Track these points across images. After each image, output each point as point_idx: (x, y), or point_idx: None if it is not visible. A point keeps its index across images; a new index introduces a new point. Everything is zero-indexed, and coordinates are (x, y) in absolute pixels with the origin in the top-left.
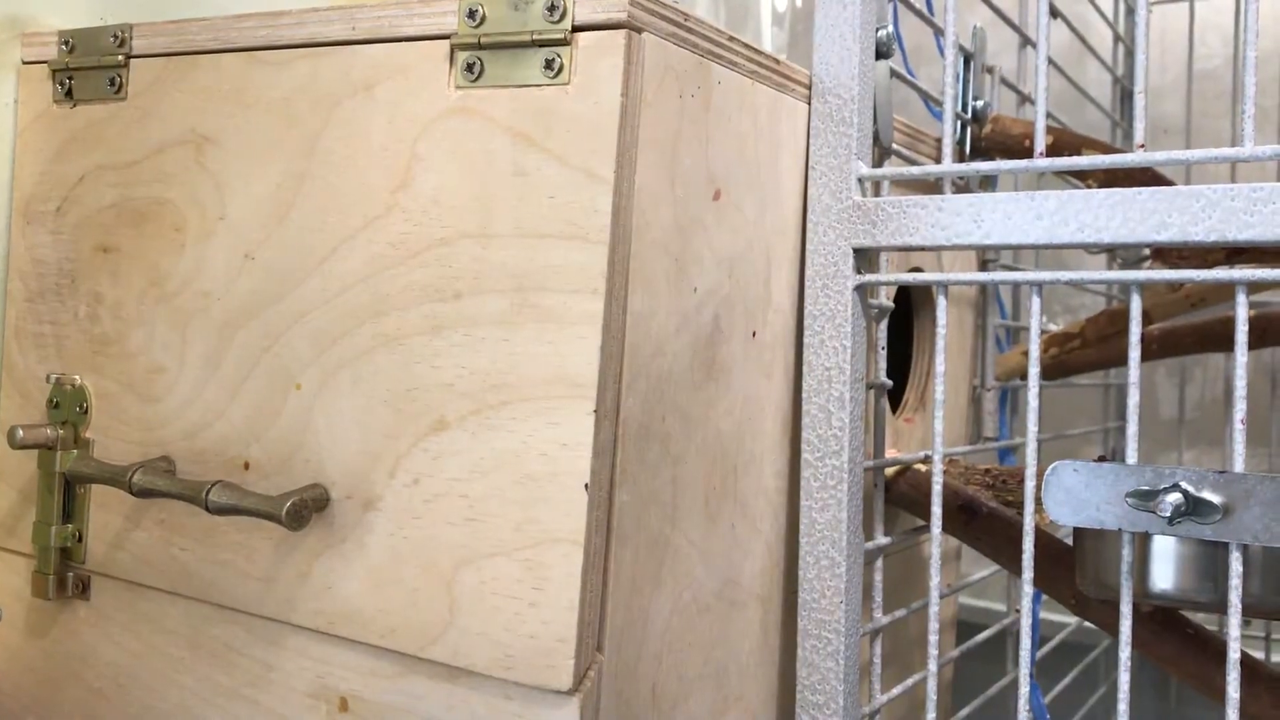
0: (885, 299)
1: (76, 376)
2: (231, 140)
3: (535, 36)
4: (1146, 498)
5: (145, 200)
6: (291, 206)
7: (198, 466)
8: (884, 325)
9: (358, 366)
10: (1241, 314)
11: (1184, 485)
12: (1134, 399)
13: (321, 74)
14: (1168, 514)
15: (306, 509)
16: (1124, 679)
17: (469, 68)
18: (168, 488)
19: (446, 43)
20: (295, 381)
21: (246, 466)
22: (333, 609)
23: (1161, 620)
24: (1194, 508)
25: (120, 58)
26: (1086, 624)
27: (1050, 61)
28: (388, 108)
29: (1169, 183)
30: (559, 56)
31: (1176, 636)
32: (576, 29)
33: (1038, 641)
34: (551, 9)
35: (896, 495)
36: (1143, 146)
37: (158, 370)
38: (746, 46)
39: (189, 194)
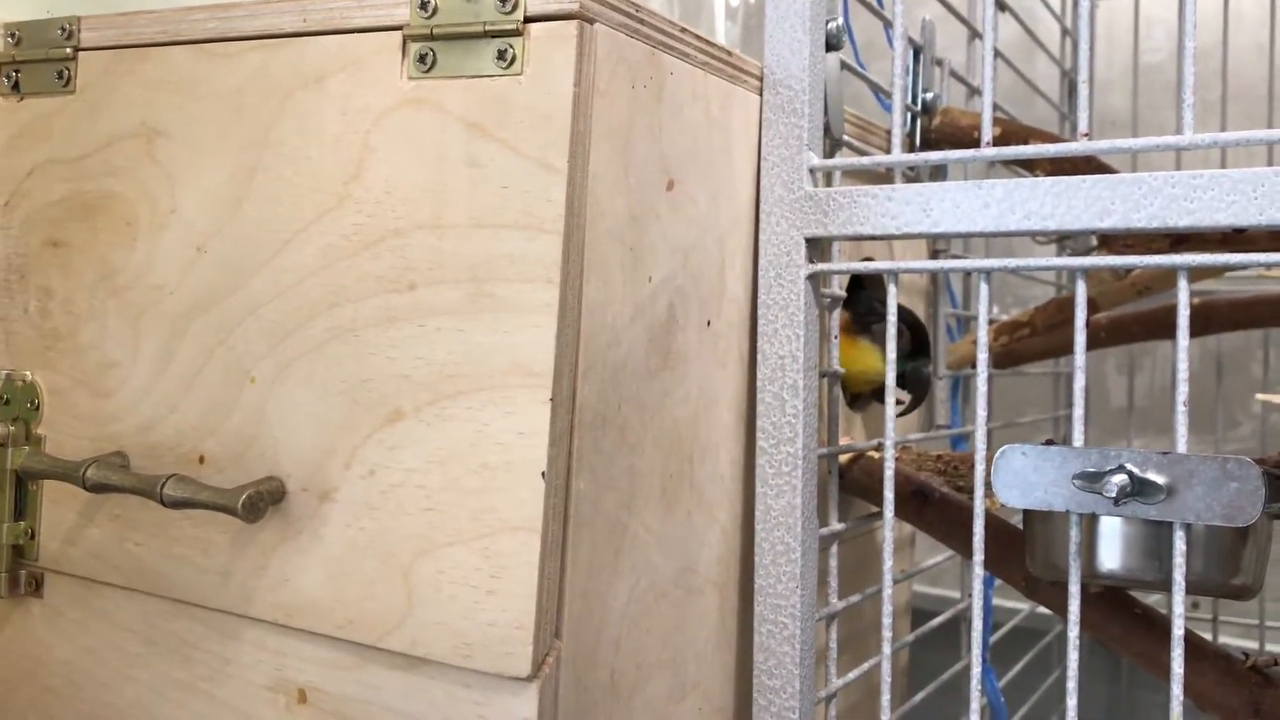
0: (838, 288)
1: (27, 372)
2: (182, 133)
3: (487, 27)
4: (1093, 479)
5: (95, 194)
6: (243, 199)
7: (152, 461)
8: (836, 314)
9: (312, 359)
10: (1183, 298)
11: (1129, 467)
12: (1079, 382)
13: (273, 66)
14: (1113, 495)
15: (262, 501)
16: (1073, 657)
17: (421, 59)
18: (122, 482)
19: (398, 34)
20: (249, 374)
21: (201, 460)
22: (290, 601)
23: (1110, 601)
24: (1139, 488)
25: (68, 50)
26: (1039, 610)
27: (999, 55)
28: (340, 99)
29: (1115, 172)
30: (511, 47)
31: (1125, 616)
32: (529, 20)
33: (991, 627)
34: (504, 0)
35: (850, 482)
36: (1087, 136)
37: (110, 365)
38: (698, 38)
39: (140, 187)
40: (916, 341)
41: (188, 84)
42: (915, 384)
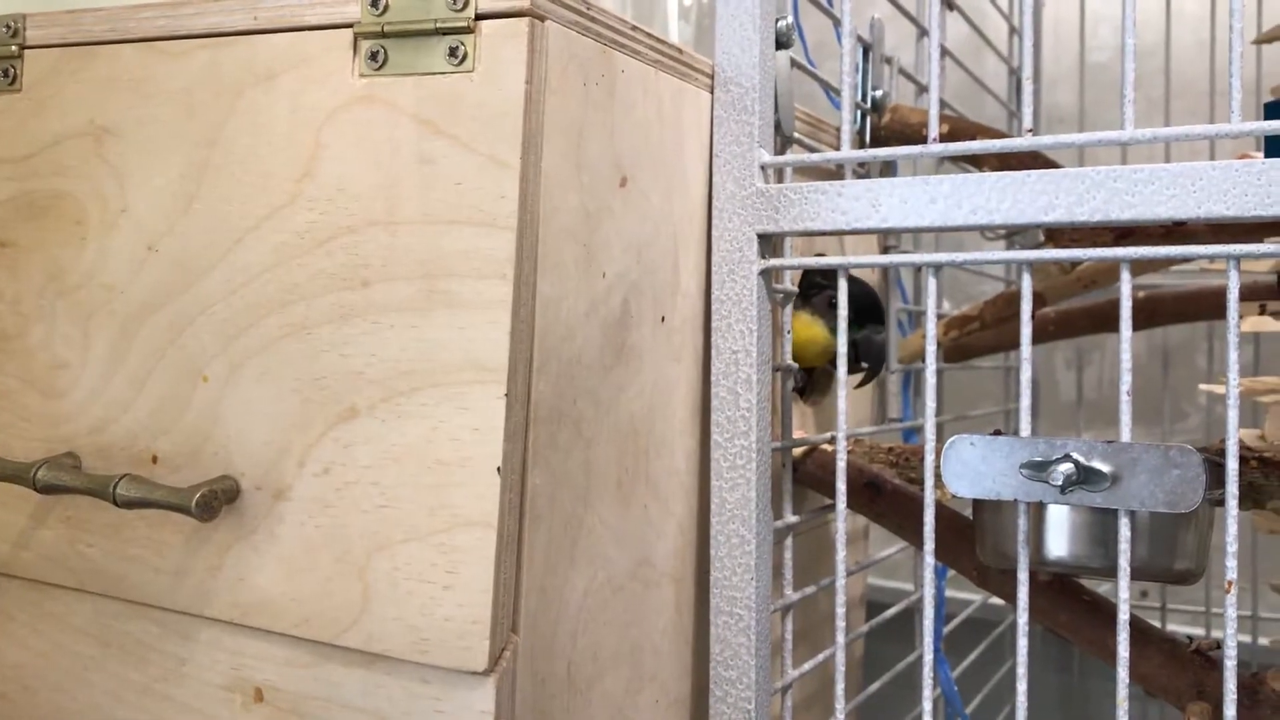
0: (790, 284)
1: None
2: (132, 131)
3: (439, 25)
4: (1040, 468)
5: (43, 193)
6: (195, 198)
7: (104, 462)
8: (789, 309)
9: (266, 357)
10: (1125, 289)
11: (1075, 455)
12: (1026, 374)
13: (223, 64)
14: (1060, 483)
15: (217, 500)
16: (1022, 644)
17: (372, 56)
18: (74, 483)
19: (349, 31)
20: (202, 373)
21: (154, 460)
22: (246, 600)
23: (1059, 589)
24: (1085, 477)
25: (14, 48)
26: (992, 600)
27: (947, 53)
28: (291, 97)
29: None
30: (463, 44)
31: (1073, 604)
32: (480, 17)
33: (943, 617)
34: None
35: (804, 475)
36: (1031, 131)
37: (60, 365)
38: (649, 36)
39: (89, 186)
40: (865, 308)
41: (137, 82)
42: (869, 353)
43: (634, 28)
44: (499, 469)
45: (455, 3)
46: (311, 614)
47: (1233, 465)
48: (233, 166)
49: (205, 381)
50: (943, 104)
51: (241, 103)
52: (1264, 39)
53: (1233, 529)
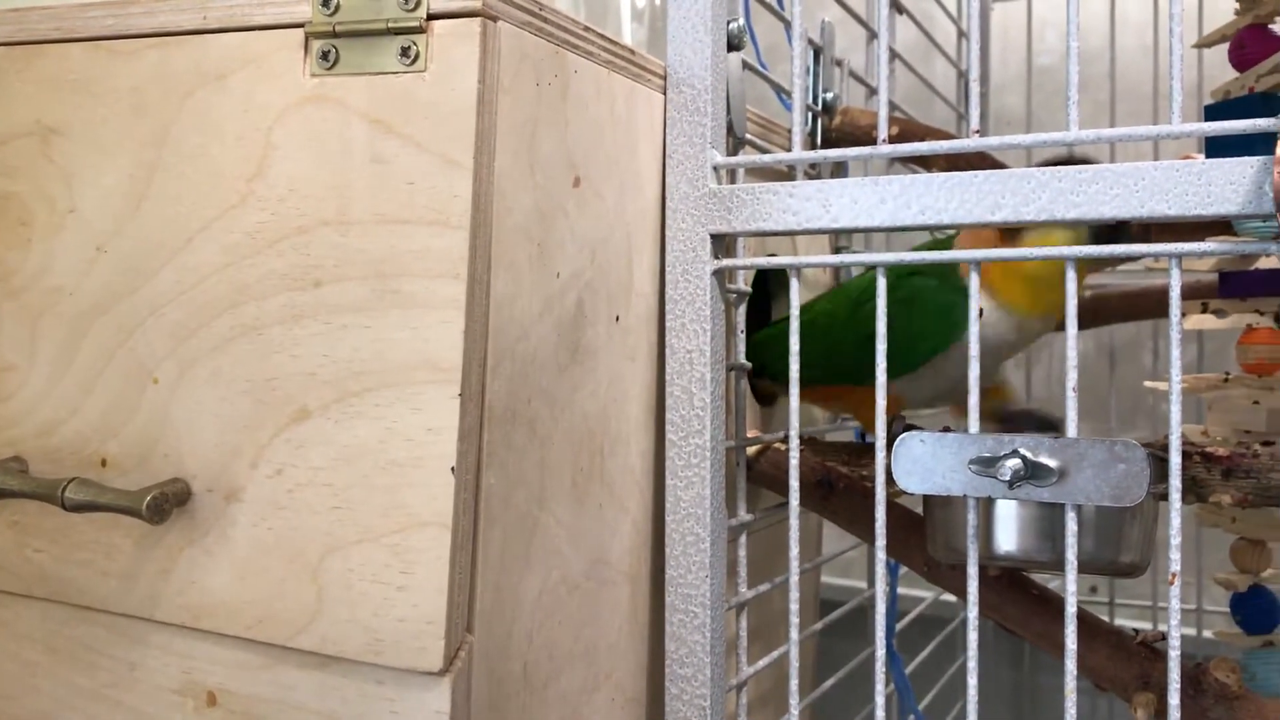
0: (744, 284)
1: None
2: (80, 131)
3: (390, 24)
4: (988, 464)
5: None
6: (144, 198)
7: (52, 465)
8: (743, 309)
9: (216, 358)
10: (1070, 288)
11: (1022, 451)
12: (974, 371)
13: (173, 63)
14: (1007, 478)
15: (167, 503)
16: (972, 637)
17: (324, 56)
18: (21, 487)
19: (300, 31)
20: (152, 375)
21: (104, 463)
22: (198, 603)
23: (1008, 583)
24: (1032, 472)
25: None
26: (945, 597)
27: (898, 56)
28: (241, 97)
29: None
30: (415, 44)
31: (1022, 598)
32: (432, 17)
33: (896, 614)
34: None
35: (758, 474)
36: (978, 132)
37: (7, 368)
38: (602, 37)
39: (35, 187)
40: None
41: (85, 82)
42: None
43: (586, 29)
44: (453, 469)
45: (407, 2)
46: (264, 616)
47: (1175, 460)
48: (183, 166)
49: (155, 383)
50: (893, 106)
51: (191, 102)
52: (1204, 43)
53: (1176, 522)
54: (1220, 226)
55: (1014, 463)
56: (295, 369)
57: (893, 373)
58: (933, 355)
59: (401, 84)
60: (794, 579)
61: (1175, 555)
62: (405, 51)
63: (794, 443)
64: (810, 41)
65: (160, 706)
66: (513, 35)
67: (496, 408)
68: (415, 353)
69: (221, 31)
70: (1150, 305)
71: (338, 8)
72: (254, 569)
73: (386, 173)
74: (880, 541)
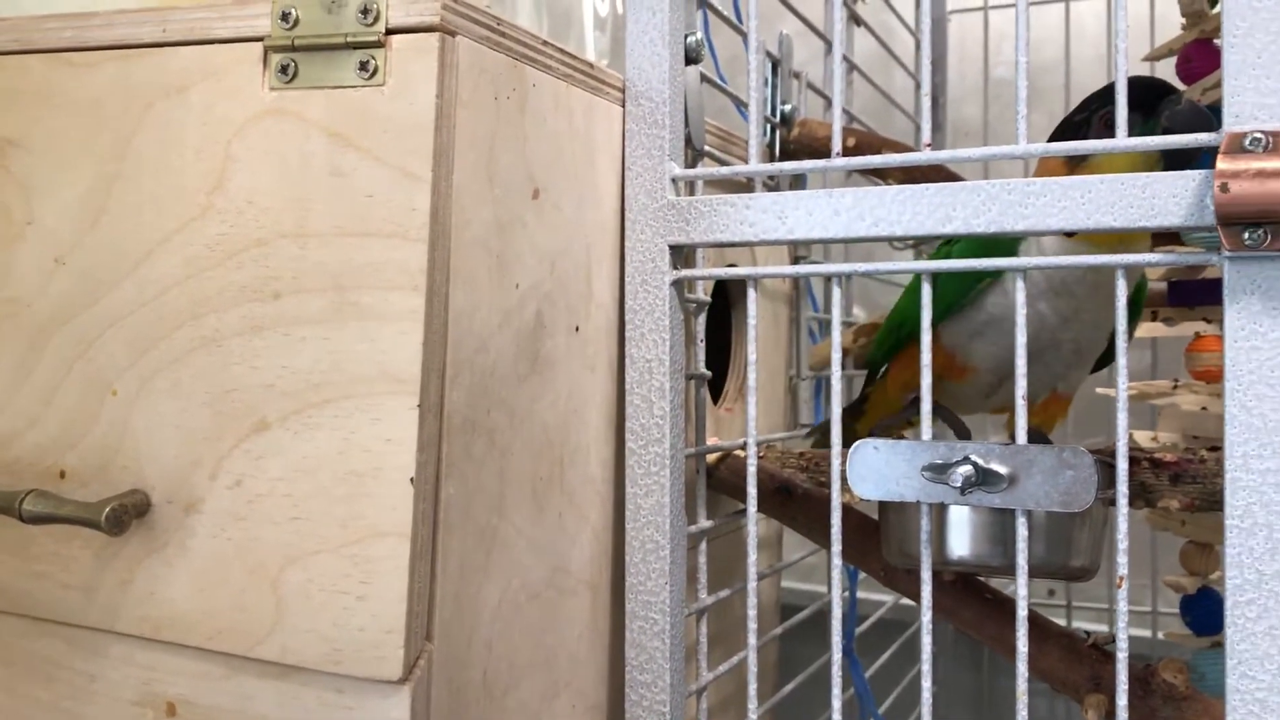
0: (703, 294)
1: None
2: (38, 143)
3: (349, 39)
4: (940, 470)
5: None
6: (103, 210)
7: (10, 477)
8: (702, 319)
9: (176, 370)
10: (1020, 298)
11: (974, 458)
12: (927, 379)
13: (133, 76)
14: (959, 484)
15: (127, 514)
16: (926, 641)
17: (283, 69)
18: None
19: (260, 45)
20: (111, 387)
21: (62, 475)
22: (157, 614)
23: (962, 587)
24: (983, 478)
25: None
26: (904, 602)
27: (855, 68)
28: (201, 110)
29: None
30: (373, 58)
31: (976, 601)
32: (390, 31)
33: (856, 619)
34: (365, 12)
35: (718, 481)
36: (930, 145)
37: None
38: (561, 51)
39: None
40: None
41: (44, 94)
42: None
43: (545, 43)
44: (412, 479)
45: (366, 17)
46: (224, 627)
47: (1122, 466)
48: (142, 179)
49: (114, 395)
50: (852, 118)
51: (151, 115)
52: (1153, 56)
53: (1123, 526)
54: (1169, 237)
55: (965, 469)
56: (255, 380)
57: (943, 304)
58: (980, 282)
59: (360, 98)
60: (752, 585)
61: (1123, 559)
62: (364, 66)
63: (751, 449)
64: (768, 54)
65: (120, 718)
66: (471, 50)
67: (455, 418)
68: (374, 364)
69: (181, 44)
70: None
71: (297, 21)
72: (214, 580)
73: (345, 186)
74: (836, 547)
